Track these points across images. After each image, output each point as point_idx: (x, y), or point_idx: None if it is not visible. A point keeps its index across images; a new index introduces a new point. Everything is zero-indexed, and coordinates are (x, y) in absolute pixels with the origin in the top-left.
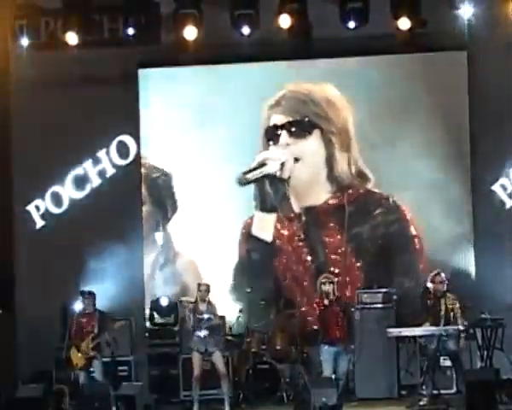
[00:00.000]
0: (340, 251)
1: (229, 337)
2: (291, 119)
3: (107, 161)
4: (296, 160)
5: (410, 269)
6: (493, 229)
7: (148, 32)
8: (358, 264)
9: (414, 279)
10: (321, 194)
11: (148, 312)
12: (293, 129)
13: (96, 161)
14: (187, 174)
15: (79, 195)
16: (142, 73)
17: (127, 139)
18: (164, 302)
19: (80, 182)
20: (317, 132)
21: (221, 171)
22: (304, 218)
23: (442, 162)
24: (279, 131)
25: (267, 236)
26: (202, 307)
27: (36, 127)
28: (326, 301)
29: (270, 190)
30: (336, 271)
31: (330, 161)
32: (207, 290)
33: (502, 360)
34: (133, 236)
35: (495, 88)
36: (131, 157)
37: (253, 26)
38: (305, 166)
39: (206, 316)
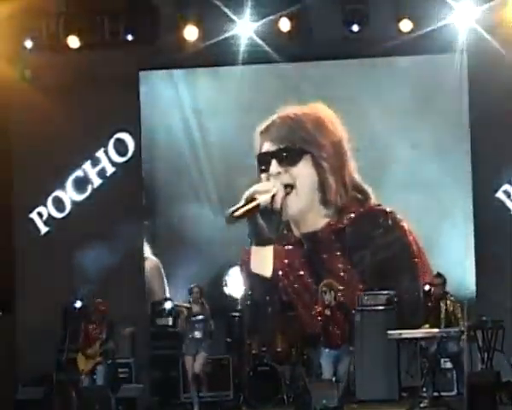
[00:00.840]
0: (342, 276)
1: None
2: (280, 146)
3: (106, 160)
4: (287, 187)
5: (412, 285)
6: (495, 233)
7: (149, 34)
8: (361, 286)
9: (417, 291)
10: (318, 219)
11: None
12: (283, 156)
13: (96, 162)
14: (177, 177)
15: (81, 197)
16: (142, 75)
17: (124, 136)
18: (165, 305)
19: (81, 184)
20: (307, 158)
21: (217, 173)
22: (305, 245)
23: (443, 168)
24: (267, 161)
25: (267, 271)
26: (195, 308)
27: (35, 133)
28: (327, 312)
29: (264, 223)
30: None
31: (323, 186)
32: (199, 292)
33: (502, 363)
34: (135, 235)
35: (496, 91)
36: (130, 154)
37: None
38: (298, 192)
39: (199, 317)
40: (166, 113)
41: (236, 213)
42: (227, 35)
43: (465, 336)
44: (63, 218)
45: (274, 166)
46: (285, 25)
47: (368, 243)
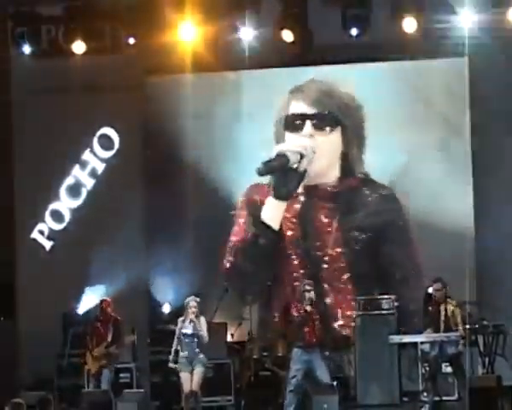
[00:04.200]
0: (328, 233)
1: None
2: (314, 110)
3: (95, 158)
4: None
5: (401, 262)
6: (494, 234)
7: (153, 39)
8: (342, 249)
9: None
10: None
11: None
12: (317, 121)
13: (84, 164)
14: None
15: (77, 203)
16: (148, 80)
17: (107, 131)
18: (165, 309)
19: (74, 190)
20: (338, 129)
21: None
22: (302, 198)
23: (442, 171)
24: (299, 121)
25: (275, 224)
26: (187, 323)
27: (34, 150)
28: (308, 308)
29: (286, 180)
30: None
31: (344, 159)
32: (196, 307)
33: (503, 367)
34: (135, 235)
35: (496, 95)
36: (116, 147)
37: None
38: (320, 160)
39: (190, 332)
40: (170, 115)
41: (267, 166)
42: (230, 41)
43: (464, 340)
44: (64, 228)
45: (308, 127)
46: (288, 36)
47: (359, 207)
